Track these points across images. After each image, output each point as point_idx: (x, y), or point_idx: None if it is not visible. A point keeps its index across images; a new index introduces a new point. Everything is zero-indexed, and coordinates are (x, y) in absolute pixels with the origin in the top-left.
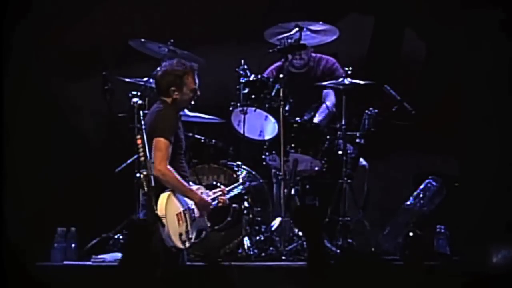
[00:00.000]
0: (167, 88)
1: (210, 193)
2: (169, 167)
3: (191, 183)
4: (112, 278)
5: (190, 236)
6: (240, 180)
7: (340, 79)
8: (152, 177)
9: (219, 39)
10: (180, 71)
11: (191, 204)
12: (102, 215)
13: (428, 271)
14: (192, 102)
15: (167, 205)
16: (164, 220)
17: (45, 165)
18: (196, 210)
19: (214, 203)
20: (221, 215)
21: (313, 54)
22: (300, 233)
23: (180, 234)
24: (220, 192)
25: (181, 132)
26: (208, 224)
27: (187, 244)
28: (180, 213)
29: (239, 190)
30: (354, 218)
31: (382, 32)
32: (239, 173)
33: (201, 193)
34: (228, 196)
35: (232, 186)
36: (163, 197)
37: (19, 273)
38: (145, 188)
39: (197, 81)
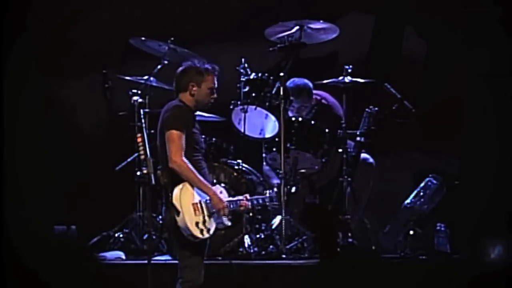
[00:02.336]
0: (187, 83)
1: (230, 198)
2: (184, 158)
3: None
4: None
5: (208, 227)
6: (267, 195)
7: (341, 78)
8: (152, 175)
9: (219, 37)
10: (201, 68)
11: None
12: (102, 213)
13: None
14: (209, 104)
15: (182, 195)
16: (179, 208)
17: (46, 163)
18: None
19: (232, 205)
20: None
21: (320, 97)
22: (311, 232)
23: (197, 223)
24: (242, 198)
25: (198, 132)
26: (229, 224)
27: (206, 234)
28: (196, 203)
29: (265, 202)
30: (354, 216)
31: (383, 30)
32: (268, 191)
33: (220, 192)
34: (250, 203)
35: (259, 196)
36: (178, 187)
37: (19, 272)
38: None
39: (216, 83)
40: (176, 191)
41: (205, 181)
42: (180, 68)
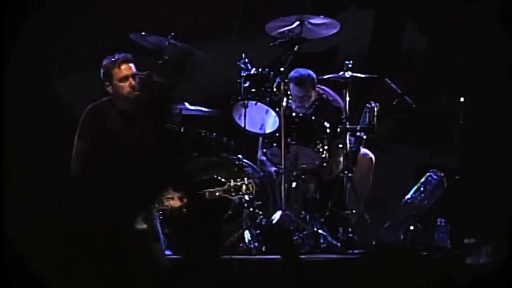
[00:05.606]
0: (103, 84)
1: None
2: None
3: None
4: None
5: None
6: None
7: (341, 73)
8: None
9: (220, 33)
10: (109, 63)
11: None
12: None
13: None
14: (130, 95)
15: None
16: None
17: (46, 160)
18: None
19: None
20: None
21: (322, 90)
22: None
23: None
24: None
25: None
26: None
27: None
28: None
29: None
30: (355, 212)
31: (383, 25)
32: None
33: None
34: None
35: None
36: None
37: (20, 270)
38: None
39: (132, 70)
40: None
41: None
42: None
